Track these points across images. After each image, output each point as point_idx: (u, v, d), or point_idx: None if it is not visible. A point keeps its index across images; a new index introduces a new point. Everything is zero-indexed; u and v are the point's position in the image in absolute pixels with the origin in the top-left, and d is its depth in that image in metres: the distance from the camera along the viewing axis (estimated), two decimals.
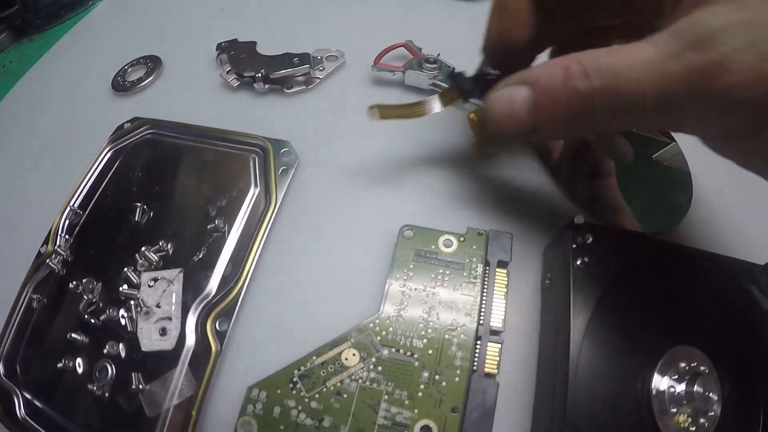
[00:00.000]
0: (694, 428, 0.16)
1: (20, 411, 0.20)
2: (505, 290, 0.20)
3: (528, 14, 0.18)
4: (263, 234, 0.22)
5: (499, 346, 0.19)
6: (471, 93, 0.21)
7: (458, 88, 0.22)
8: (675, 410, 0.16)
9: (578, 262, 0.18)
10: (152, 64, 0.31)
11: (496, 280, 0.20)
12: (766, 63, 0.12)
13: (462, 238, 0.21)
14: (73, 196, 0.25)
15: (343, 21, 0.32)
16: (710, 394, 0.16)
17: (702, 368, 0.17)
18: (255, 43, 0.29)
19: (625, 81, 0.13)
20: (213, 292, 0.21)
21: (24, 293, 0.23)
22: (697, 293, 0.18)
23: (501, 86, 0.17)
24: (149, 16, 0.36)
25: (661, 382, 0.17)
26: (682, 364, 0.17)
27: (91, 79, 0.31)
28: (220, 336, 0.20)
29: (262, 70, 0.27)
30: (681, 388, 0.17)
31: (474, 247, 0.21)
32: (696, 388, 0.17)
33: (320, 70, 0.28)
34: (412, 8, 0.32)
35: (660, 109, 0.13)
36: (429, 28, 0.30)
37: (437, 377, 0.18)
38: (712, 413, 0.16)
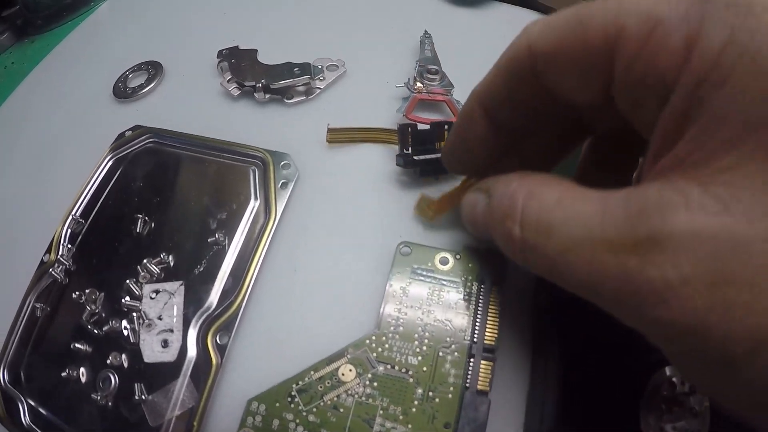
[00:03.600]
0: None
1: (25, 418, 0.21)
2: (499, 309, 0.20)
3: (486, 143, 0.17)
4: (263, 248, 0.22)
5: (492, 364, 0.19)
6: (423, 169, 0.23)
7: (406, 159, 0.23)
8: (664, 429, 0.17)
9: None
10: (153, 70, 0.31)
11: (490, 299, 0.20)
12: (720, 318, 0.08)
13: (458, 256, 0.21)
14: (75, 205, 0.26)
15: (344, 29, 0.31)
16: (698, 413, 0.17)
17: (691, 387, 0.17)
18: (256, 51, 0.29)
19: (554, 245, 0.11)
20: (213, 306, 0.22)
21: (27, 302, 0.23)
22: None
23: (472, 189, 0.17)
24: (151, 19, 0.36)
25: (650, 401, 0.17)
26: (672, 382, 0.17)
27: (92, 84, 0.31)
28: (221, 349, 0.21)
29: (263, 80, 0.27)
30: (670, 407, 0.17)
31: (469, 265, 0.21)
32: (685, 407, 0.17)
33: (321, 80, 0.28)
34: (414, 16, 0.32)
35: (589, 295, 0.11)
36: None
37: (431, 394, 0.19)
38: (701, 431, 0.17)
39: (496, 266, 0.21)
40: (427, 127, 0.23)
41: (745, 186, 0.08)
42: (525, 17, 0.32)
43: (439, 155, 0.23)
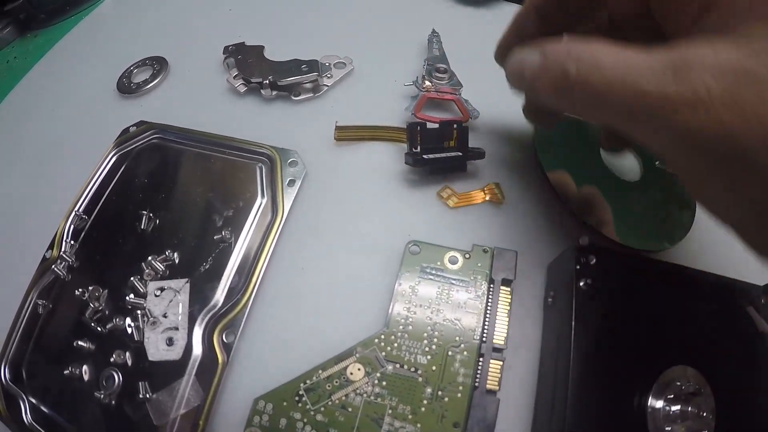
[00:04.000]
0: None
1: (27, 416, 0.21)
2: (509, 308, 0.20)
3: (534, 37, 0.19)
4: (270, 246, 0.22)
5: (501, 363, 0.19)
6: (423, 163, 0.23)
7: (414, 157, 0.23)
8: (669, 429, 0.17)
9: (581, 283, 0.19)
10: (158, 65, 0.30)
11: (500, 298, 0.20)
12: (739, 120, 0.11)
13: (467, 255, 0.21)
14: (78, 201, 0.25)
15: (351, 27, 0.31)
16: (705, 414, 0.17)
17: (698, 388, 0.17)
18: (263, 47, 0.29)
19: (600, 78, 0.14)
20: (220, 304, 0.21)
21: (29, 298, 0.23)
22: (696, 314, 0.19)
23: (520, 47, 0.18)
24: (155, 14, 0.35)
25: (656, 401, 0.17)
26: (678, 384, 0.17)
27: (96, 79, 0.31)
28: (227, 348, 0.20)
29: (270, 77, 0.27)
30: (676, 407, 0.17)
31: (479, 265, 0.21)
32: (691, 408, 0.17)
33: (328, 77, 0.28)
34: (421, 14, 0.32)
35: (626, 119, 0.14)
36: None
37: (440, 393, 0.19)
38: None
39: (505, 265, 0.21)
40: (436, 125, 0.23)
41: (761, 44, 0.11)
42: None
43: (447, 154, 0.23)
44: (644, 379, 0.17)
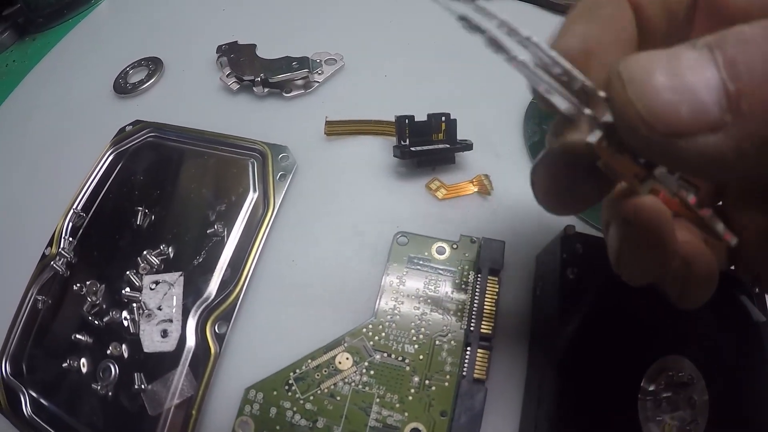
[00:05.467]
0: None
1: (27, 409, 0.21)
2: (496, 297, 0.20)
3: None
4: (261, 239, 0.22)
5: (488, 352, 0.19)
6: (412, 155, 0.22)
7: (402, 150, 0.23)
8: (661, 418, 0.17)
9: (568, 272, 0.19)
10: (153, 65, 0.31)
11: (487, 288, 0.20)
12: None
13: (455, 246, 0.21)
14: (76, 199, 0.26)
15: (343, 23, 0.32)
16: (696, 404, 0.17)
17: (690, 377, 0.17)
18: (255, 45, 0.30)
19: None
20: (212, 296, 0.22)
21: (29, 294, 0.24)
22: None
23: (648, 54, 0.08)
24: (150, 15, 0.36)
25: (648, 391, 0.17)
26: (670, 373, 0.17)
27: (93, 80, 0.32)
28: (219, 338, 0.21)
29: (262, 74, 0.27)
30: (668, 395, 0.17)
31: (466, 255, 0.21)
32: (682, 397, 0.17)
33: (319, 73, 0.28)
34: (413, 11, 0.32)
35: None
36: (428, 29, 0.30)
37: (427, 382, 0.19)
38: (699, 422, 0.17)
39: (493, 255, 0.21)
40: (424, 118, 0.24)
41: None
42: (531, 13, 0.32)
43: (435, 147, 0.23)
44: (635, 368, 0.17)
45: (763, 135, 0.07)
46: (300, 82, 0.28)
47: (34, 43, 0.38)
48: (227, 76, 0.28)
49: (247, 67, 0.28)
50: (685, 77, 0.08)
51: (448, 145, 0.24)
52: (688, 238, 0.12)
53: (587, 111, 0.09)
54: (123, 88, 0.30)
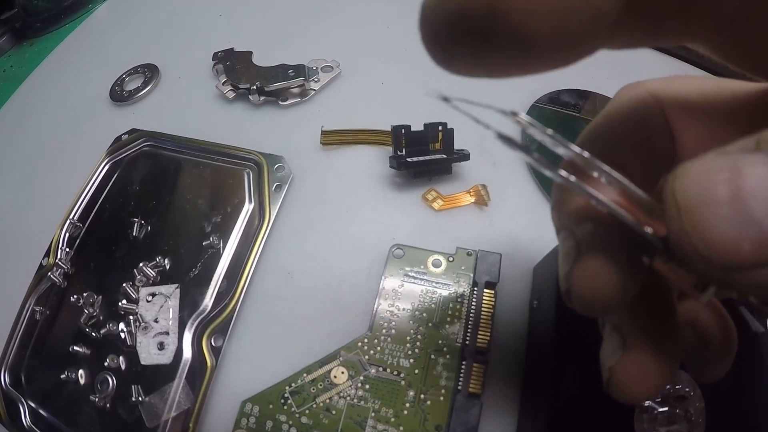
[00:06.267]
0: None
1: (26, 419, 0.21)
2: (492, 311, 0.20)
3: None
4: (257, 251, 0.22)
5: (484, 367, 0.19)
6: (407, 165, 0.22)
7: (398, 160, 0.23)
8: None
9: None
10: (150, 73, 0.31)
11: (483, 301, 0.20)
12: None
13: (451, 258, 0.21)
14: (72, 209, 0.26)
15: (339, 29, 0.31)
16: (693, 417, 0.17)
17: (687, 390, 0.17)
18: (251, 53, 0.29)
19: None
20: (208, 309, 0.22)
21: (27, 305, 0.24)
22: None
23: (699, 157, 0.08)
24: (147, 20, 0.36)
25: (644, 405, 0.17)
26: (667, 386, 0.17)
27: (90, 87, 0.32)
28: (216, 351, 0.21)
29: (257, 83, 0.27)
30: (664, 409, 0.17)
31: (462, 268, 0.21)
32: (679, 410, 0.17)
33: (315, 81, 0.28)
34: (409, 17, 0.31)
35: None
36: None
37: (422, 396, 0.19)
38: None
39: (489, 268, 0.21)
40: (421, 127, 0.23)
41: None
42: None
43: (432, 157, 0.23)
44: None
45: None
46: (296, 90, 0.28)
47: (32, 48, 0.38)
48: (223, 84, 0.28)
49: (243, 75, 0.28)
50: (750, 207, 0.07)
51: (444, 155, 0.23)
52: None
53: (648, 229, 0.08)
54: (119, 95, 0.30)
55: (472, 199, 0.23)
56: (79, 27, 0.37)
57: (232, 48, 0.30)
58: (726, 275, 0.07)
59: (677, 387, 0.17)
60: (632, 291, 0.10)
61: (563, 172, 0.09)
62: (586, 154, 0.09)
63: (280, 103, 0.27)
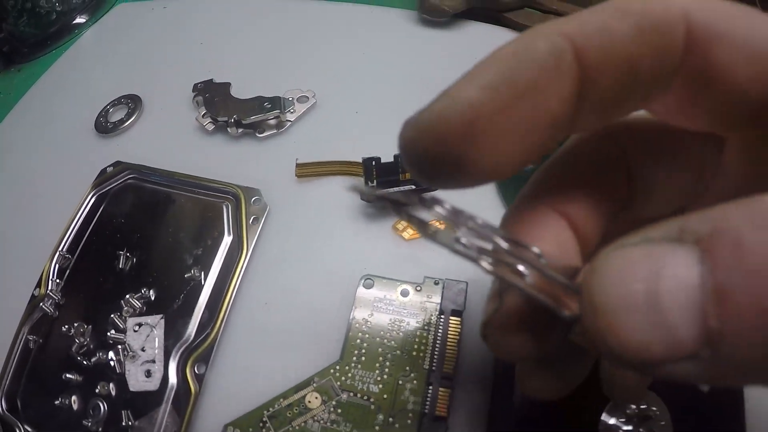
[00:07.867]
0: None
1: None
2: (458, 338, 0.22)
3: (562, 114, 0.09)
4: (236, 283, 0.24)
5: (450, 390, 0.21)
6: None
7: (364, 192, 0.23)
8: None
9: None
10: (133, 104, 0.32)
11: (449, 328, 0.22)
12: None
13: (418, 288, 0.23)
14: (62, 241, 0.27)
15: (315, 57, 0.32)
16: (659, 420, 0.17)
17: (653, 409, 0.18)
18: (229, 84, 0.30)
19: None
20: (191, 338, 0.23)
21: (21, 334, 0.25)
22: None
23: (620, 246, 0.08)
24: (130, 49, 0.36)
25: (608, 425, 0.18)
26: (633, 406, 0.18)
27: (76, 118, 0.32)
28: (199, 378, 0.22)
29: (235, 115, 0.28)
30: (629, 428, 0.18)
31: (429, 297, 0.22)
32: (642, 430, 0.18)
33: (291, 112, 0.29)
34: (385, 41, 0.32)
35: None
36: (400, 60, 0.31)
37: (391, 419, 0.20)
38: None
39: (455, 297, 0.22)
40: (391, 159, 0.24)
41: None
42: (497, 35, 0.32)
43: (400, 188, 0.24)
44: (596, 402, 0.18)
45: (743, 369, 0.07)
46: (273, 121, 0.29)
47: (19, 74, 0.39)
48: (203, 116, 0.29)
49: (221, 108, 0.29)
50: (664, 315, 0.07)
51: (413, 186, 0.25)
52: None
53: (566, 313, 0.09)
54: (104, 127, 0.31)
55: (442, 227, 0.25)
56: (64, 54, 0.37)
57: (212, 79, 0.31)
58: (635, 367, 0.07)
59: (642, 407, 0.18)
60: (543, 351, 0.11)
61: (485, 263, 0.09)
62: (507, 238, 0.10)
63: (258, 135, 0.29)
